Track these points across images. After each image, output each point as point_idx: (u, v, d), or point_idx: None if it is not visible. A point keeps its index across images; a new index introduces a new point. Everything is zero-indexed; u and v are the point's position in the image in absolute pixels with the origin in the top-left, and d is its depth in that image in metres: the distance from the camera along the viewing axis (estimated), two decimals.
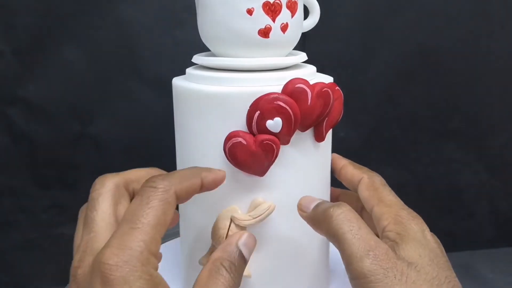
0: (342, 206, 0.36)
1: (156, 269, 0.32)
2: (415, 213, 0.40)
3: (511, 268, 0.93)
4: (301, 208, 0.40)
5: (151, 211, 0.32)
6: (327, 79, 0.46)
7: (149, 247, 0.31)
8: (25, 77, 0.81)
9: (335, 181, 0.50)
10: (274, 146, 0.39)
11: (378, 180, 0.45)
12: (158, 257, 0.32)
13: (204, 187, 0.37)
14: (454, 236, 0.98)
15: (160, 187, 0.34)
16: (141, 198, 0.33)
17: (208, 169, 0.38)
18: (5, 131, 0.83)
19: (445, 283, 0.34)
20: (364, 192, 0.44)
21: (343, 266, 0.35)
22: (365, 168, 0.47)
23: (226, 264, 0.35)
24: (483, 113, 0.94)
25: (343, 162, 0.48)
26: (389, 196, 0.42)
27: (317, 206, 0.38)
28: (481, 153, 0.96)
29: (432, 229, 0.39)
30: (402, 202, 0.42)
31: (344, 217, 0.35)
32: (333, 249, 0.48)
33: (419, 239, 0.36)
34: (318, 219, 0.38)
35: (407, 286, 0.32)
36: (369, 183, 0.44)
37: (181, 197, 0.35)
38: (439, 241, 0.39)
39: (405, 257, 0.35)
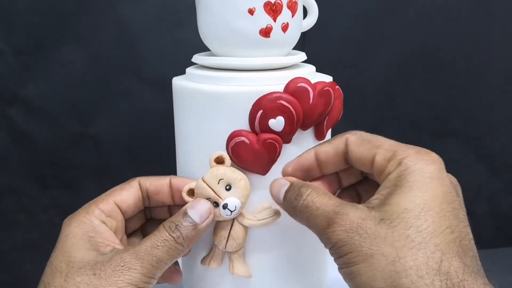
0: (303, 194, 0.35)
1: (101, 219, 0.38)
2: (426, 150, 0.35)
3: (511, 268, 0.93)
4: (273, 198, 0.39)
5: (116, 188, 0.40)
6: (326, 78, 0.45)
7: (95, 202, 0.38)
8: (25, 77, 0.81)
9: None
10: (276, 145, 0.39)
11: (363, 133, 0.38)
12: (107, 210, 0.38)
13: (173, 188, 0.40)
14: None
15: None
16: None
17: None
18: (5, 131, 0.83)
19: (442, 234, 0.30)
20: (356, 150, 0.37)
21: None
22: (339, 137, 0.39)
23: (167, 224, 0.36)
24: (483, 113, 0.95)
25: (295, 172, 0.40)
26: (388, 141, 0.36)
27: (285, 198, 0.37)
28: (481, 153, 0.96)
29: None
30: (404, 144, 0.36)
31: (307, 204, 0.35)
32: None
33: (421, 184, 0.32)
34: (288, 211, 0.38)
35: (373, 242, 0.30)
36: (357, 139, 0.37)
37: (146, 188, 0.40)
38: (455, 181, 0.34)
39: (390, 209, 0.31)
